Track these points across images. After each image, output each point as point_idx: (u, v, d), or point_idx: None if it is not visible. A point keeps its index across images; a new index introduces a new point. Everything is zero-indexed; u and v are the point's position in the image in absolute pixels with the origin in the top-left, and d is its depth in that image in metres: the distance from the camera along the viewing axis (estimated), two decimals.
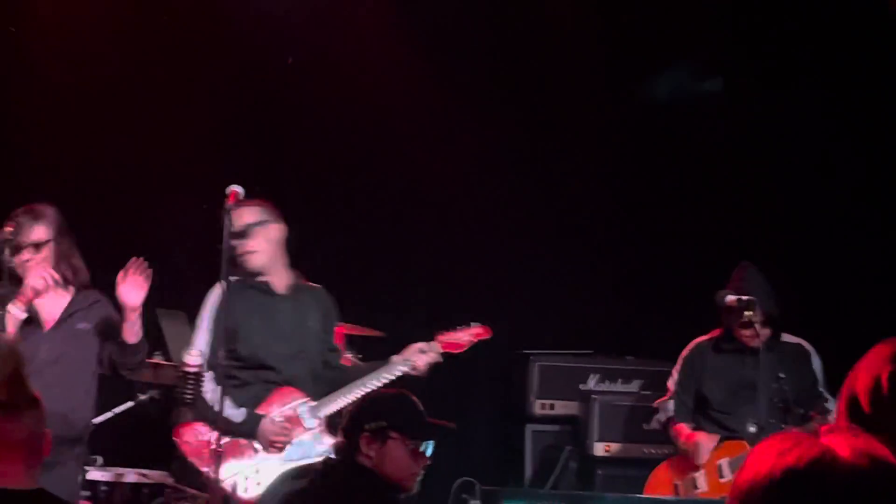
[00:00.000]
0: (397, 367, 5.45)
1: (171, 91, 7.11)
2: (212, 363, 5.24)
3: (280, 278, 5.50)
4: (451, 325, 5.64)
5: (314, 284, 5.68)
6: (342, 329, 6.21)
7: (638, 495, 5.87)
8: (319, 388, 5.54)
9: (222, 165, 6.74)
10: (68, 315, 5.37)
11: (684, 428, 5.95)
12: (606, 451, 6.90)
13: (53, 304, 5.36)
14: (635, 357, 7.28)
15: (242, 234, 5.35)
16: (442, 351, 5.53)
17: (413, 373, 5.45)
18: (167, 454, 5.93)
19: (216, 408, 5.10)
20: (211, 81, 7.29)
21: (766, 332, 5.79)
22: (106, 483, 5.82)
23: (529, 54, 7.53)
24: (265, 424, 5.30)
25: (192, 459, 5.28)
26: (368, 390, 5.38)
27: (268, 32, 7.24)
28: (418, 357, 5.44)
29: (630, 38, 7.47)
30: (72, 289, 5.43)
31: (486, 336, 5.64)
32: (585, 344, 7.33)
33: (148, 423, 6.36)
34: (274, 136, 7.49)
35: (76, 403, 5.28)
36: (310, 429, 5.41)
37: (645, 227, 7.66)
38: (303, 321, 5.56)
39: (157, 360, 6.12)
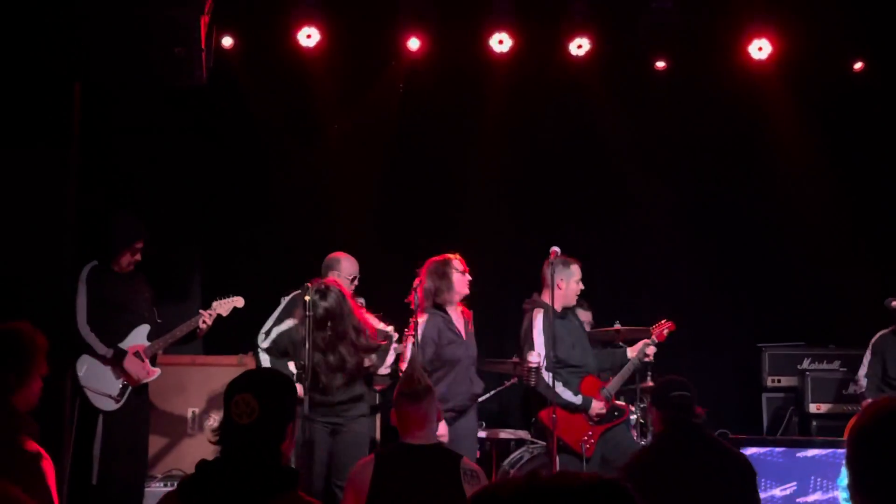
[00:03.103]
0: (636, 360, 6.30)
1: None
2: (547, 364, 6.08)
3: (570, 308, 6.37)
4: (651, 322, 6.37)
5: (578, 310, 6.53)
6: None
7: (839, 438, 6.25)
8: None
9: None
10: (467, 327, 6.24)
11: None
12: (818, 409, 7.61)
13: (461, 320, 6.26)
14: (836, 345, 7.98)
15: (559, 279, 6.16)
16: (657, 342, 6.30)
17: (645, 360, 6.29)
18: (527, 420, 7.24)
19: (559, 394, 6.07)
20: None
21: None
22: (486, 439, 6.97)
23: None
24: (594, 404, 6.24)
25: (557, 432, 5.94)
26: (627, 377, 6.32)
27: None
28: (648, 349, 6.29)
29: None
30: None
31: (673, 328, 6.34)
32: (800, 336, 8.09)
33: (512, 400, 7.61)
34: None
35: (472, 384, 6.20)
36: (608, 402, 6.34)
37: (843, 251, 8.29)
38: (581, 334, 6.46)
39: (515, 359, 6.78)
